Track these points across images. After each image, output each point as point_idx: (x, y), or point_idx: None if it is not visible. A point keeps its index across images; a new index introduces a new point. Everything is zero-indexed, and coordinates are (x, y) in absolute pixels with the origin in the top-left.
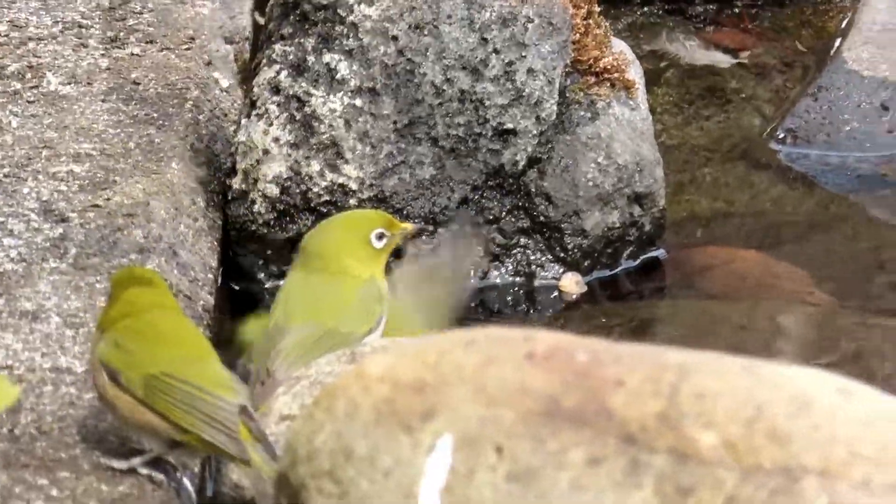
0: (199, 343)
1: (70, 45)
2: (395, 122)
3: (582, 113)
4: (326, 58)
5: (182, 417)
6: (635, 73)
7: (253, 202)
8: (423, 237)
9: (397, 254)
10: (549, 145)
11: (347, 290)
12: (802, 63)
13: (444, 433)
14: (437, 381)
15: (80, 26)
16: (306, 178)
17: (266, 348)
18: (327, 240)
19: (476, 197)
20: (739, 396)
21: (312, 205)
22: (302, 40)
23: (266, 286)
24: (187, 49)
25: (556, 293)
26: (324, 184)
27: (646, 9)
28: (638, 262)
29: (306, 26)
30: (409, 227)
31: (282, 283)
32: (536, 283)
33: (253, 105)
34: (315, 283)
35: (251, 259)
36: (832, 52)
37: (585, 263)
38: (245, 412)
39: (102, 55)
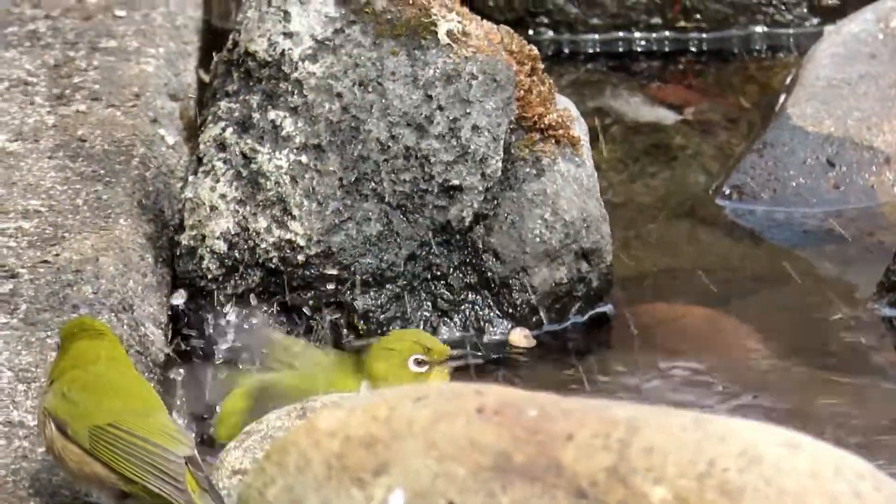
0: (146, 394)
1: (16, 101)
2: (341, 179)
3: (527, 169)
4: (272, 114)
5: (128, 468)
6: (580, 130)
7: (202, 258)
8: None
9: None
10: (496, 201)
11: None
12: (747, 119)
13: (396, 488)
14: (389, 436)
15: (26, 83)
16: (254, 233)
17: None
18: (375, 374)
19: (423, 253)
20: (689, 451)
21: (260, 260)
22: (247, 97)
23: (215, 342)
24: (133, 106)
25: (505, 348)
26: (271, 240)
27: (589, 65)
28: (586, 317)
29: (251, 83)
30: (448, 351)
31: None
32: (486, 338)
33: (199, 162)
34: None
35: (200, 315)
36: (777, 107)
37: (534, 318)
38: (193, 462)
39: (49, 112)
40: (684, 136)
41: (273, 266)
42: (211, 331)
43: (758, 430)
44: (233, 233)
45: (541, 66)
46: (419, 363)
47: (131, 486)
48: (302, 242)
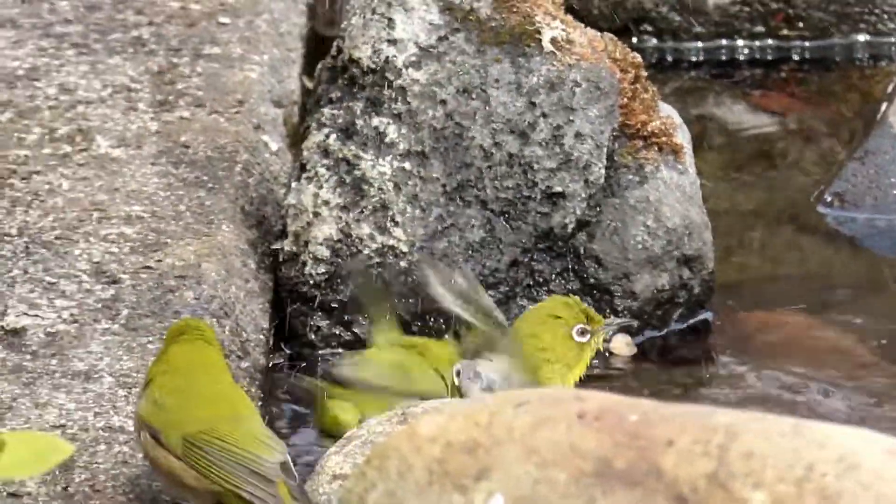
0: (239, 401)
1: (119, 108)
2: (444, 185)
3: (630, 176)
4: (375, 121)
5: (220, 476)
6: (683, 137)
7: (304, 264)
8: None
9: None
10: (598, 208)
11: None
12: (849, 127)
13: (497, 493)
14: (490, 442)
15: (130, 90)
16: (357, 240)
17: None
18: (535, 334)
19: (526, 259)
20: (788, 456)
21: (362, 267)
22: (350, 104)
23: (317, 347)
24: (236, 112)
25: (606, 354)
26: (374, 246)
27: (693, 73)
28: (687, 324)
29: (354, 90)
30: (603, 320)
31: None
32: None
33: (303, 168)
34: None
35: (302, 321)
36: (878, 116)
37: (635, 324)
38: (286, 469)
39: (152, 118)
40: (786, 144)
41: (376, 272)
42: (313, 337)
43: (857, 437)
44: (335, 239)
45: (644, 73)
46: (582, 333)
47: (225, 495)
48: (405, 249)
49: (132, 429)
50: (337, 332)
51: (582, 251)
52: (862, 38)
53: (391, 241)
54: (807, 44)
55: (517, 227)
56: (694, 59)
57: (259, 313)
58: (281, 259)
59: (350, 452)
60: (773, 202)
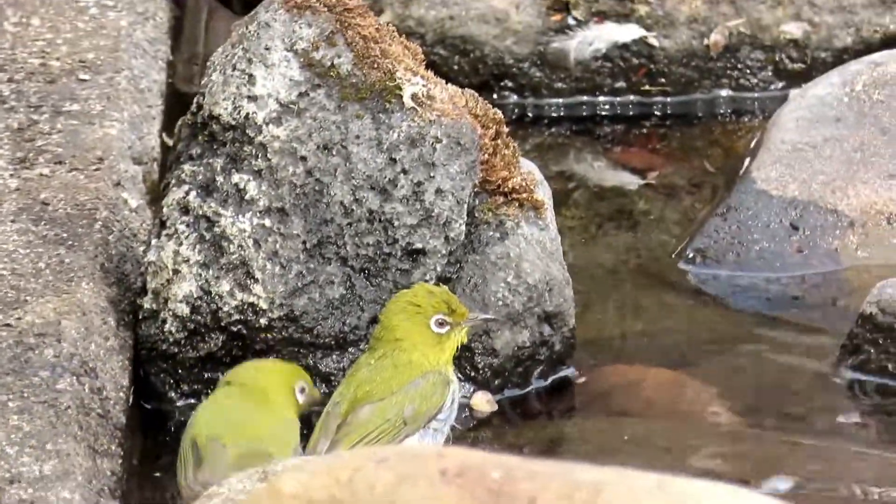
0: None
1: None
2: (304, 242)
3: (491, 233)
4: (235, 178)
5: None
6: (544, 193)
7: (164, 321)
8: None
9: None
10: (459, 265)
11: (410, 376)
12: (711, 183)
13: None
14: (350, 499)
15: None
16: (216, 297)
17: (328, 424)
18: (392, 326)
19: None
20: None
21: (223, 324)
22: (211, 160)
23: (178, 405)
24: (96, 170)
25: (467, 411)
26: (234, 303)
27: (553, 129)
28: (549, 381)
29: (215, 146)
30: (468, 314)
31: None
32: None
33: (163, 225)
34: (381, 367)
35: (162, 378)
36: (741, 171)
37: (496, 382)
38: None
39: (11, 175)
40: (648, 201)
41: (236, 329)
42: (173, 394)
43: (721, 493)
44: (195, 296)
45: (505, 129)
46: (441, 324)
47: None
48: (265, 305)
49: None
50: (197, 389)
51: None
52: (724, 92)
53: (251, 298)
54: (669, 99)
55: (378, 283)
56: (555, 114)
57: (119, 371)
58: (141, 316)
59: None
60: (634, 259)
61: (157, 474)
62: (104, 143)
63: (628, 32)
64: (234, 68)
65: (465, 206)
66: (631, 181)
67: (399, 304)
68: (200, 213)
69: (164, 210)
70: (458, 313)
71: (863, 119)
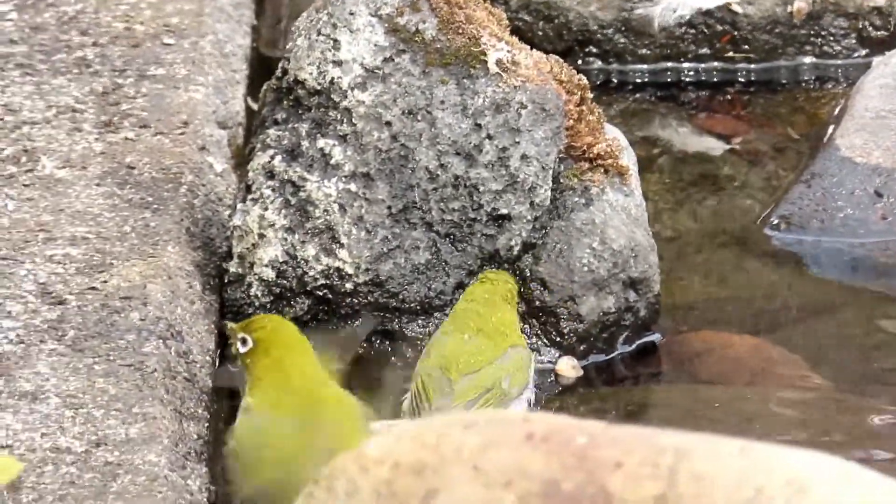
0: None
1: (64, 129)
2: (389, 207)
3: (576, 199)
4: (321, 143)
5: None
6: (629, 160)
7: (249, 285)
8: None
9: None
10: (544, 230)
11: (503, 348)
12: (795, 149)
13: None
14: (437, 463)
15: (74, 111)
16: (302, 262)
17: (436, 385)
18: (485, 302)
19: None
20: (737, 479)
21: (308, 288)
22: (296, 125)
23: None
24: (181, 134)
25: (552, 377)
26: (319, 268)
27: (638, 95)
28: (633, 346)
29: (300, 111)
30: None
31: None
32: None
33: (248, 189)
34: (474, 340)
35: None
36: (825, 138)
37: (581, 347)
38: None
39: (97, 139)
40: (732, 166)
41: (321, 294)
42: None
43: (807, 459)
44: (281, 260)
45: (590, 95)
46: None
47: None
48: (350, 270)
49: (79, 450)
50: None
51: (528, 273)
52: (808, 60)
53: (337, 263)
54: (752, 66)
55: (463, 249)
56: (639, 80)
57: (205, 334)
58: (226, 280)
59: None
60: (719, 225)
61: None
62: (189, 107)
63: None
64: (318, 33)
65: (550, 171)
66: (715, 147)
67: (496, 285)
68: (286, 177)
69: (250, 174)
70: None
71: None
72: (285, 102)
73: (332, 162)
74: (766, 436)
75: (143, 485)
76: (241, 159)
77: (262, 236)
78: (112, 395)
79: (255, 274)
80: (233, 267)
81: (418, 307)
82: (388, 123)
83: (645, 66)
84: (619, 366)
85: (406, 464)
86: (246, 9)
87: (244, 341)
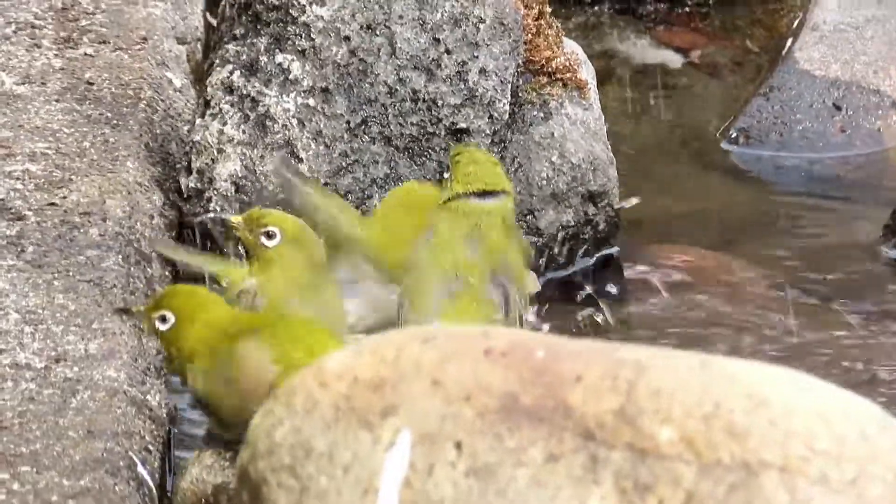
0: None
1: (23, 45)
2: (348, 122)
3: (535, 113)
4: (279, 58)
5: None
6: (587, 73)
7: (209, 200)
8: None
9: None
10: (503, 144)
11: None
12: (754, 62)
13: (404, 429)
14: (396, 378)
15: (33, 27)
16: (261, 176)
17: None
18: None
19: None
20: (696, 392)
21: (267, 203)
22: (254, 40)
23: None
24: (140, 49)
25: None
26: (278, 182)
27: (596, 8)
28: (593, 260)
29: (258, 27)
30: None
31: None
32: None
33: (207, 105)
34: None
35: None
36: (784, 51)
37: (541, 262)
38: None
39: (56, 55)
40: (691, 79)
41: (280, 208)
42: None
43: (765, 373)
44: (240, 175)
45: (548, 9)
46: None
47: None
48: None
49: (39, 366)
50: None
51: None
52: None
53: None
54: None
55: (421, 163)
56: None
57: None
58: (186, 195)
59: None
60: (677, 138)
61: None
62: (148, 22)
63: None
64: None
65: (509, 86)
66: (674, 60)
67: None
68: (244, 92)
69: (209, 90)
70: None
71: None
72: (244, 18)
73: (291, 77)
74: (725, 349)
75: (102, 400)
76: (199, 75)
77: (220, 151)
78: (71, 311)
79: (215, 189)
80: (192, 182)
81: None
82: (347, 38)
83: None
84: (579, 280)
85: (365, 379)
86: None
87: (163, 319)
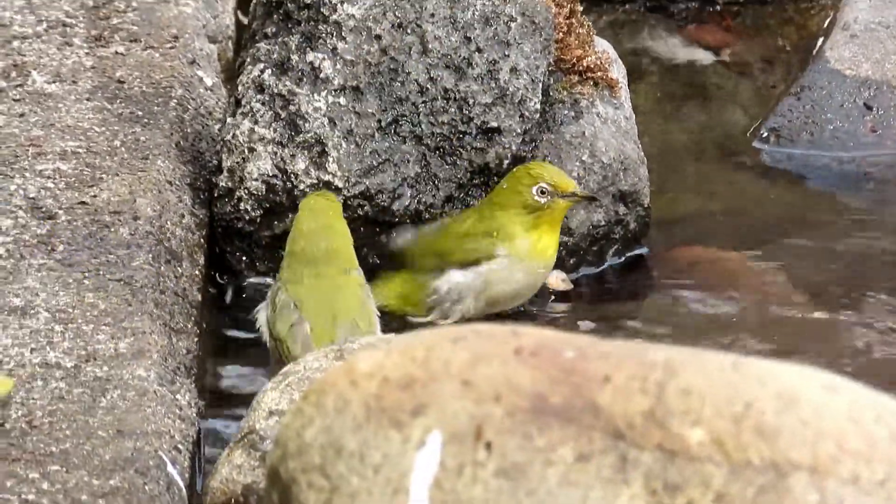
0: None
1: (55, 43)
2: (379, 121)
3: (566, 112)
4: (310, 56)
5: None
6: (618, 72)
7: (239, 200)
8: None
9: None
10: (534, 144)
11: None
12: (785, 61)
13: (434, 429)
14: (426, 378)
15: (65, 25)
16: (292, 175)
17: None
18: (498, 190)
19: (461, 195)
20: (726, 393)
21: (298, 202)
22: (286, 39)
23: (251, 282)
24: (171, 48)
25: (542, 291)
26: (309, 181)
27: (627, 6)
28: (623, 259)
29: (290, 25)
30: (573, 187)
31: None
32: None
33: (238, 103)
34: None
35: (238, 256)
36: (815, 50)
37: (571, 261)
38: None
39: (87, 54)
40: (722, 78)
41: None
42: (247, 271)
43: (795, 373)
44: (271, 174)
45: (579, 7)
46: (542, 192)
47: None
48: (340, 184)
49: (69, 365)
50: (272, 267)
51: None
52: None
53: (326, 177)
54: None
55: (453, 162)
56: None
57: (194, 248)
58: (216, 195)
59: (287, 388)
60: (708, 137)
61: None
62: (179, 21)
63: None
64: None
65: (540, 84)
66: (704, 58)
67: (511, 175)
68: (275, 91)
69: (240, 88)
70: (563, 185)
71: None
72: (275, 16)
73: (322, 75)
74: (754, 350)
75: (132, 399)
76: (231, 73)
77: (251, 150)
78: (101, 310)
79: (245, 188)
80: (223, 181)
81: (408, 220)
82: (378, 37)
83: None
84: (609, 279)
85: (395, 379)
86: None
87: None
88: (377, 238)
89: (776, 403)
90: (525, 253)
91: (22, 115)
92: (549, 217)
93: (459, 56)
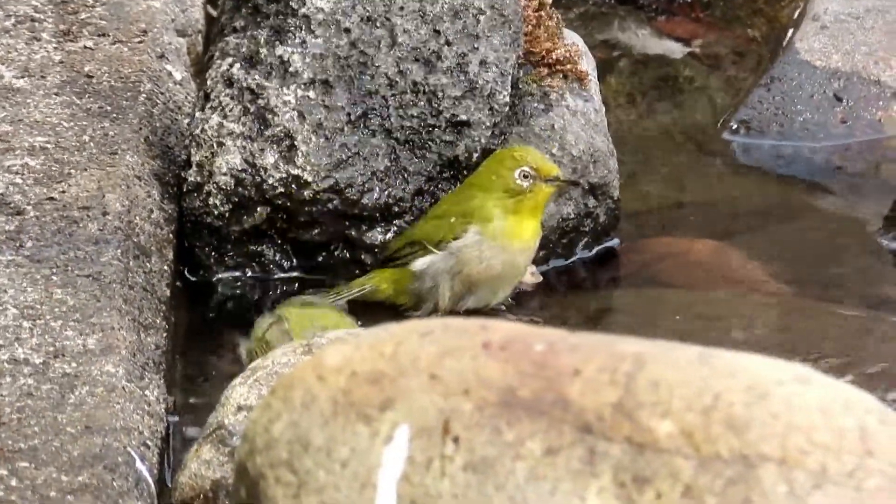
0: None
1: (23, 38)
2: (348, 114)
3: (535, 104)
4: (279, 50)
5: None
6: (588, 65)
7: (208, 194)
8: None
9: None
10: (503, 136)
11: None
12: (755, 52)
13: (402, 423)
14: (394, 372)
15: (33, 20)
16: (261, 170)
17: None
18: (480, 170)
19: (431, 188)
20: (695, 385)
21: (267, 196)
22: (254, 33)
23: (220, 277)
24: (140, 42)
25: None
26: (278, 175)
27: None
28: (593, 252)
29: (258, 19)
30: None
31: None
32: None
33: (207, 97)
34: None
35: (207, 251)
36: (785, 42)
37: (541, 254)
38: None
39: (55, 48)
40: (692, 70)
41: (280, 202)
42: (216, 267)
43: (765, 365)
44: (240, 169)
45: (548, 0)
46: (525, 176)
47: None
48: (309, 178)
49: (37, 361)
50: (241, 262)
51: None
52: None
53: (295, 171)
54: None
55: (422, 155)
56: None
57: (163, 244)
58: (185, 189)
59: (255, 384)
60: (679, 129)
61: (201, 346)
62: (148, 15)
63: None
64: None
65: (510, 77)
66: (675, 50)
67: (494, 156)
68: (244, 85)
69: (208, 82)
70: (546, 169)
71: None
72: (244, 10)
73: (291, 69)
74: (725, 341)
75: (100, 396)
76: (199, 67)
77: (220, 144)
78: (70, 306)
79: (214, 182)
80: (191, 176)
81: (377, 214)
82: (347, 30)
83: None
84: (579, 272)
85: (363, 373)
86: None
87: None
88: (346, 232)
89: (746, 396)
90: (499, 232)
91: None
92: (532, 202)
93: (429, 49)
